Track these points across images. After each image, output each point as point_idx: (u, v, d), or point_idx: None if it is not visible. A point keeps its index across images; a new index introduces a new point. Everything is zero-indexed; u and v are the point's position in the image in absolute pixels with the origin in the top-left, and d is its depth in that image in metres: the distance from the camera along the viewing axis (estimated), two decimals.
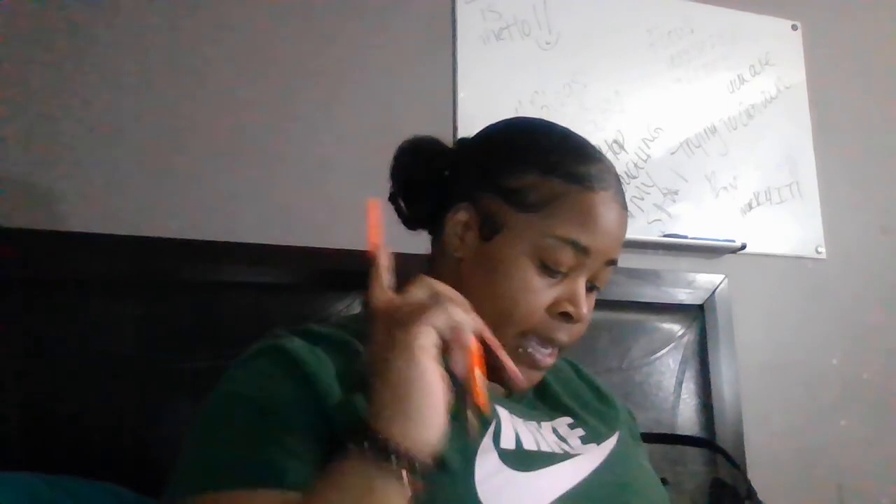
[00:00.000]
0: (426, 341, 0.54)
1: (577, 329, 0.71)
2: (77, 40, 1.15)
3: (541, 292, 0.68)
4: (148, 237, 1.08)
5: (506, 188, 0.70)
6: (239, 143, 1.22)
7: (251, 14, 1.26)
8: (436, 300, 0.56)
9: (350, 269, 1.15)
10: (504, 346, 0.68)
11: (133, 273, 1.04)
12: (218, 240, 1.11)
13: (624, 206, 0.72)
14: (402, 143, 0.80)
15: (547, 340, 0.70)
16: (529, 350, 0.70)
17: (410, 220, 0.80)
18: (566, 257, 0.68)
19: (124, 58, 1.17)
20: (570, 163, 0.70)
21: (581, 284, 0.70)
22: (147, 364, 0.99)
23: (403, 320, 0.55)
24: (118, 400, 0.97)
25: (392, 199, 0.80)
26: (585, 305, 0.70)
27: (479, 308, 0.68)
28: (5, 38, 1.11)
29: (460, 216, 0.72)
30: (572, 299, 0.69)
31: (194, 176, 1.18)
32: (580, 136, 0.75)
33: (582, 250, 0.68)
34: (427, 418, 0.52)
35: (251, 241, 1.12)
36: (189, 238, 1.11)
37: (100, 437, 0.96)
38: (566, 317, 0.69)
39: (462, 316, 0.57)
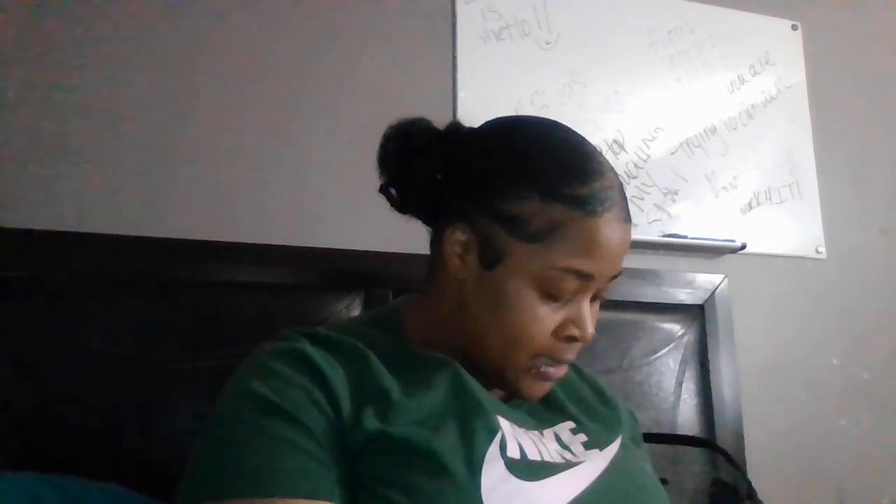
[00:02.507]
0: None
1: (584, 343, 0.71)
2: (78, 40, 1.15)
3: (546, 319, 0.67)
4: (148, 237, 1.08)
5: (503, 214, 0.67)
6: (239, 144, 1.22)
7: (251, 16, 1.26)
8: None
9: (350, 269, 1.16)
10: (514, 367, 0.69)
11: (133, 273, 1.04)
12: (218, 240, 1.11)
13: (628, 220, 0.69)
14: (388, 130, 0.76)
15: (556, 361, 0.70)
16: (542, 369, 0.70)
17: (402, 208, 0.77)
18: (570, 284, 0.67)
19: (125, 58, 1.17)
20: (570, 185, 0.66)
21: (586, 306, 0.69)
22: (147, 364, 0.99)
23: None
24: (118, 400, 0.97)
25: (382, 190, 0.77)
26: (591, 325, 0.69)
27: (486, 334, 0.68)
28: (7, 37, 1.11)
29: (458, 236, 0.70)
30: (578, 322, 0.68)
31: (194, 176, 1.18)
32: (580, 145, 0.71)
33: (586, 276, 0.67)
34: None
35: (251, 241, 1.12)
36: (189, 238, 1.11)
37: (100, 437, 0.96)
38: (573, 338, 0.69)
39: None
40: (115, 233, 1.06)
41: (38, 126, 1.11)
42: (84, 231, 1.06)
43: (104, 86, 1.15)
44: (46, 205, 1.08)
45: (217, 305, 1.06)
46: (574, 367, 0.86)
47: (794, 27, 1.69)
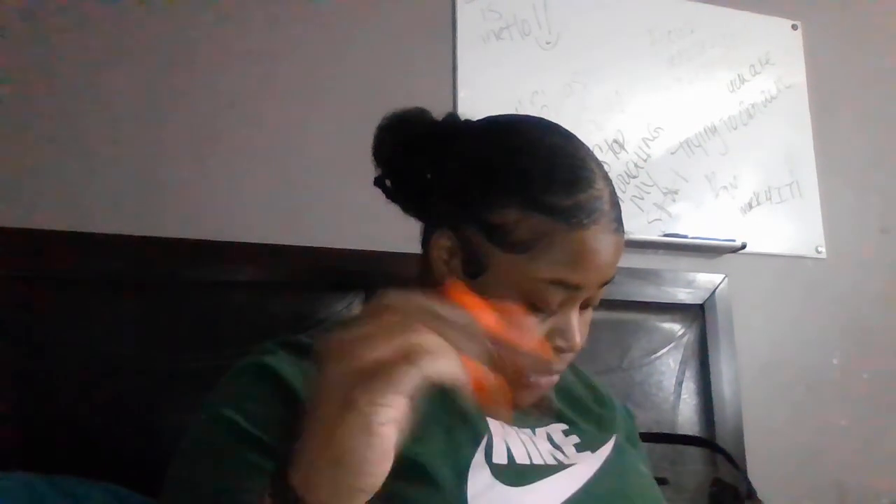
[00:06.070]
0: (392, 415, 0.41)
1: (574, 353, 0.70)
2: (78, 40, 1.15)
3: (531, 331, 0.65)
4: (148, 237, 1.08)
5: (487, 223, 0.65)
6: (239, 144, 1.22)
7: (251, 17, 1.26)
8: (413, 355, 0.41)
9: (350, 269, 1.16)
10: (504, 378, 0.68)
11: (133, 273, 1.04)
12: (218, 240, 1.11)
13: (618, 230, 0.67)
14: (383, 120, 0.75)
15: (544, 372, 0.69)
16: (531, 378, 0.68)
17: (396, 201, 0.77)
18: (555, 296, 0.64)
19: (123, 57, 1.17)
20: (555, 195, 0.64)
21: (572, 316, 0.67)
22: (147, 364, 0.99)
23: (369, 386, 0.41)
24: (118, 400, 0.97)
25: (377, 182, 0.76)
26: (578, 335, 0.67)
27: None
28: (7, 39, 1.11)
29: (443, 241, 0.68)
30: (564, 333, 0.67)
31: (194, 176, 1.18)
32: (572, 152, 0.68)
33: (572, 287, 0.65)
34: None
35: (251, 241, 1.12)
36: (189, 238, 1.11)
37: (100, 437, 0.96)
38: (560, 349, 0.68)
39: (446, 369, 0.42)
40: (115, 233, 1.06)
41: (38, 126, 1.11)
42: (84, 231, 1.06)
43: (104, 85, 1.15)
44: (46, 205, 1.08)
45: (217, 305, 1.06)
46: (570, 365, 0.86)
47: (794, 27, 1.69)
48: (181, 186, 1.17)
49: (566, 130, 0.72)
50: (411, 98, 1.32)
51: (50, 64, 1.13)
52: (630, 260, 1.35)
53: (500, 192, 0.66)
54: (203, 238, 1.11)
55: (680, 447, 1.31)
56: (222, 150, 1.21)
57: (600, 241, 0.65)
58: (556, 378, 0.71)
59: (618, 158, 1.46)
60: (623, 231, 0.68)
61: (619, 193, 0.71)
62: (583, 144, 0.70)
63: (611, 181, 0.69)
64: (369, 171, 0.77)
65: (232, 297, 1.07)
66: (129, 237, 1.06)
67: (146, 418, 0.98)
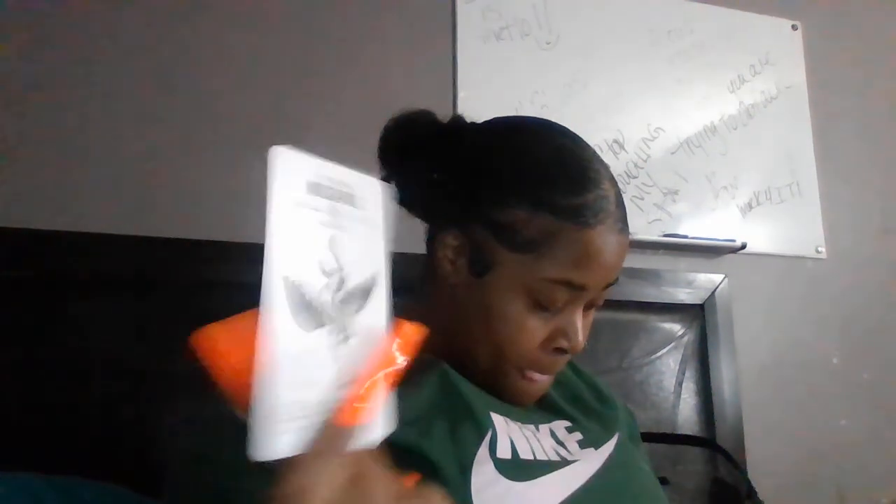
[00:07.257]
0: None
1: (574, 354, 0.70)
2: (77, 39, 1.15)
3: (535, 330, 0.66)
4: (148, 237, 1.08)
5: (494, 222, 0.66)
6: (240, 144, 1.22)
7: (252, 17, 1.27)
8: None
9: None
10: (503, 375, 0.69)
11: (133, 273, 1.04)
12: (219, 239, 1.11)
13: (623, 230, 0.67)
14: (389, 122, 0.75)
15: (545, 372, 0.70)
16: (535, 377, 0.69)
17: (401, 203, 0.76)
18: (560, 296, 0.65)
19: (124, 57, 1.17)
20: (563, 195, 0.64)
21: (577, 316, 0.68)
22: (147, 365, 0.99)
23: None
24: (118, 400, 0.97)
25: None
26: (581, 335, 0.68)
27: (475, 342, 0.68)
28: (5, 39, 1.11)
29: (450, 240, 0.68)
30: (567, 333, 0.67)
31: (194, 175, 1.18)
32: (578, 152, 0.68)
33: (578, 287, 0.65)
34: None
35: (251, 241, 1.11)
36: (189, 238, 1.11)
37: (100, 438, 0.96)
38: (562, 350, 0.68)
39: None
40: (115, 233, 1.06)
41: (38, 127, 1.11)
42: (84, 231, 1.06)
43: (104, 85, 1.15)
44: (47, 205, 1.08)
45: (217, 305, 1.06)
46: (571, 365, 0.86)
47: (794, 27, 1.69)
48: (180, 186, 1.17)
49: (571, 132, 0.72)
50: (411, 98, 1.32)
51: (50, 66, 1.13)
52: (630, 260, 1.35)
53: (507, 191, 0.66)
54: (203, 238, 1.11)
55: (680, 447, 1.31)
56: (222, 149, 1.21)
57: (606, 242, 0.65)
58: (551, 377, 0.72)
59: (618, 158, 1.46)
60: (628, 232, 0.69)
61: None
62: (588, 146, 0.71)
63: (616, 182, 0.69)
64: (371, 170, 0.77)
65: (232, 298, 1.07)
66: (129, 237, 1.06)
67: (146, 419, 0.98)
